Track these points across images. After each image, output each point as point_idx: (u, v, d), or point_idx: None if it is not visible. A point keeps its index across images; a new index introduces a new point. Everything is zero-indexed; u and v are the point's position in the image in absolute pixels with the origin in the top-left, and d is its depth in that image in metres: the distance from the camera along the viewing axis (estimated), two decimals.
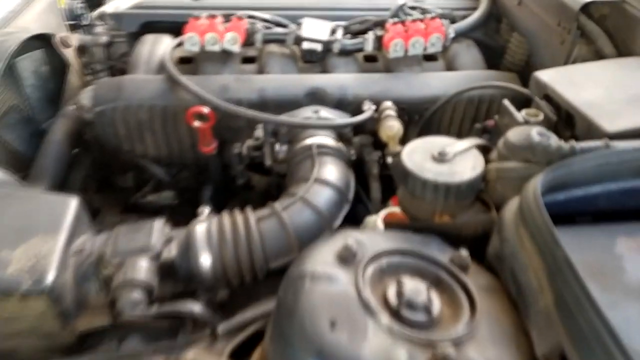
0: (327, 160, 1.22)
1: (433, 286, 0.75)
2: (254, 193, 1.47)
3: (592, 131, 0.90)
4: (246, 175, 1.41)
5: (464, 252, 0.78)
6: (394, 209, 1.19)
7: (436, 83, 1.41)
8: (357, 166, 1.33)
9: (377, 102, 1.36)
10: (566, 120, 1.00)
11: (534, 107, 1.05)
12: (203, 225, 1.06)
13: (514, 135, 0.90)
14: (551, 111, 1.02)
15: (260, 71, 1.47)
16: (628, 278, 0.68)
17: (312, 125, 1.24)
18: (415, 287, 0.73)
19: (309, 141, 1.28)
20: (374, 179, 1.30)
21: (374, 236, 0.84)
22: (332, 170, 1.20)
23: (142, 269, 0.93)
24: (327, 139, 1.29)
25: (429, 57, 1.54)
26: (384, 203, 1.30)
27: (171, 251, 1.00)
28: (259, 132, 1.32)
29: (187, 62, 1.52)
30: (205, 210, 1.12)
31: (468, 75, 1.43)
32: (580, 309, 0.60)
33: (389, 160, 1.25)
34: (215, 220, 1.07)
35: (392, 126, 1.21)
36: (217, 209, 1.47)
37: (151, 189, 1.57)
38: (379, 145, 1.37)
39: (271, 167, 1.35)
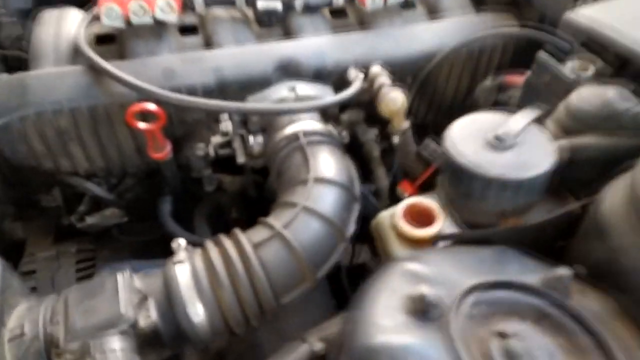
0: (321, 151, 0.98)
1: (538, 325, 0.56)
2: (225, 196, 1.20)
3: None
4: (215, 179, 1.13)
5: (561, 271, 0.60)
6: (413, 199, 0.98)
7: (427, 36, 1.18)
8: (351, 149, 1.10)
9: (363, 68, 1.11)
10: (619, 69, 0.82)
11: (579, 57, 0.86)
12: (185, 268, 0.79)
13: (582, 101, 0.71)
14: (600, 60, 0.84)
15: (207, 43, 1.17)
16: None
17: (295, 109, 0.98)
18: (527, 341, 0.53)
19: (291, 128, 1.02)
20: (378, 164, 1.08)
21: (438, 263, 0.63)
22: (330, 164, 0.96)
23: (116, 353, 0.67)
24: (313, 123, 1.04)
25: (405, 5, 1.30)
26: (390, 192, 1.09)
27: (150, 315, 0.74)
28: (226, 124, 1.04)
29: (108, 42, 1.17)
30: (181, 244, 0.85)
31: (461, 23, 1.21)
32: None
33: (396, 140, 1.03)
34: (200, 257, 0.82)
35: (395, 99, 0.98)
36: (184, 224, 1.20)
37: (88, 208, 1.25)
38: (372, 119, 1.14)
39: (244, 164, 1.09)
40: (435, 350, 0.52)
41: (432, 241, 0.82)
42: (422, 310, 0.54)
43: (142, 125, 0.98)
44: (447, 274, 0.60)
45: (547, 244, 0.70)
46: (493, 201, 0.67)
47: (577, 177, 0.69)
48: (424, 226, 0.98)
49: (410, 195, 1.08)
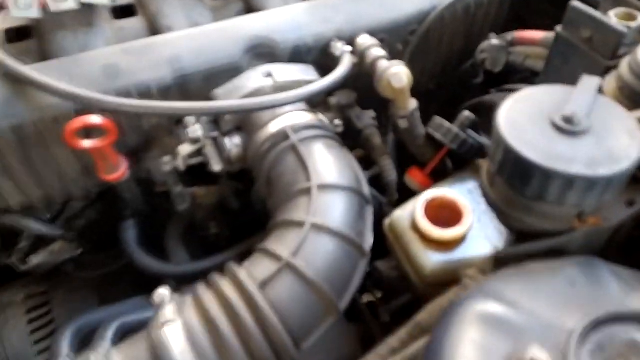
0: (317, 149, 0.81)
1: None
2: (201, 209, 1.01)
3: None
4: (187, 194, 0.94)
5: None
6: (434, 192, 0.83)
7: None
8: (346, 139, 0.93)
9: (348, 39, 0.93)
10: None
11: (616, 5, 0.72)
12: (176, 329, 0.62)
13: None
14: None
15: (153, 28, 0.94)
16: None
17: (279, 102, 0.79)
18: None
19: (276, 124, 0.84)
20: (382, 153, 0.91)
21: (518, 296, 0.49)
22: (331, 164, 0.79)
23: None
24: (300, 115, 0.86)
25: None
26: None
27: None
28: (194, 129, 0.83)
29: (23, 38, 0.93)
30: (164, 294, 0.66)
31: None
32: None
33: (402, 124, 0.87)
34: (193, 310, 0.64)
35: (398, 75, 0.81)
36: (154, 247, 1.01)
37: (30, 246, 1.02)
38: (366, 100, 0.97)
39: (219, 172, 0.89)
40: None
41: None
42: None
43: (86, 143, 0.77)
44: (541, 314, 0.46)
45: (625, 241, 0.57)
46: (574, 203, 0.53)
47: None
48: (450, 223, 0.83)
49: (422, 184, 0.93)
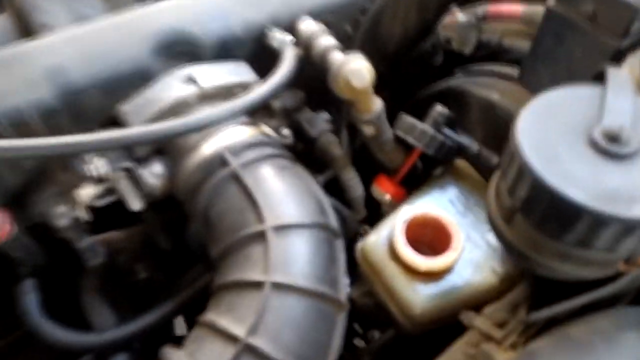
0: (266, 175, 0.64)
1: None
2: (122, 254, 0.80)
3: None
4: (100, 245, 0.73)
5: None
6: (412, 210, 0.68)
7: None
8: (297, 150, 0.76)
9: (288, 26, 0.75)
10: None
11: None
12: None
13: None
14: None
15: (26, 29, 0.70)
16: None
17: (210, 121, 0.60)
18: None
19: (210, 146, 0.65)
20: (343, 164, 0.75)
21: None
22: (286, 194, 0.62)
23: None
24: (238, 130, 0.67)
25: None
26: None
27: None
28: (97, 166, 0.62)
29: None
30: None
31: None
32: None
33: (368, 131, 0.71)
34: None
35: (359, 72, 0.64)
36: (64, 308, 0.79)
37: None
38: (315, 99, 0.80)
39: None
40: None
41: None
42: None
43: None
44: None
45: None
46: (631, 248, 0.40)
47: None
48: (435, 245, 0.70)
49: (393, 196, 0.78)
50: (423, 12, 0.91)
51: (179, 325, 0.89)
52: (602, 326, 0.41)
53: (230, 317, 0.54)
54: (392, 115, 0.77)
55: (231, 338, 0.51)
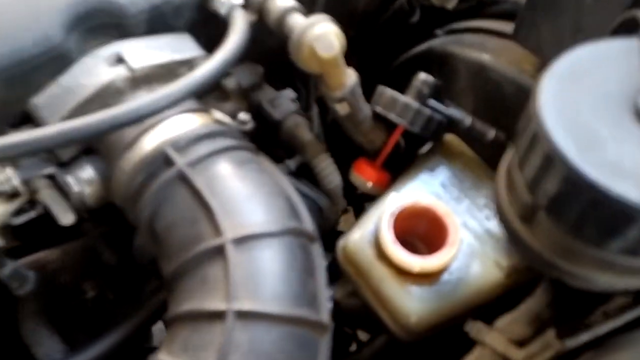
0: (222, 174, 0.52)
1: None
2: (63, 272, 0.68)
3: None
4: (28, 270, 0.60)
5: None
6: (400, 202, 0.58)
7: None
8: (260, 136, 0.64)
9: None
10: None
11: None
12: None
13: None
14: None
15: None
16: None
17: (142, 113, 0.48)
18: None
19: (149, 141, 0.53)
20: (316, 150, 0.63)
21: None
22: (247, 195, 0.51)
23: None
24: (184, 119, 0.55)
25: None
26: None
27: None
28: (5, 178, 0.50)
29: None
30: None
31: None
32: None
33: (341, 110, 0.60)
34: None
35: (326, 38, 0.52)
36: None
37: None
38: (276, 73, 0.68)
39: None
40: None
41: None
42: None
43: None
44: None
45: None
46: None
47: None
48: (430, 241, 0.61)
49: (376, 182, 0.68)
50: None
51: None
52: None
53: (185, 356, 0.43)
54: (365, 88, 0.66)
55: None
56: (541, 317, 0.42)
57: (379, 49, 0.88)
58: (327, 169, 0.63)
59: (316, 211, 0.72)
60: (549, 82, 0.33)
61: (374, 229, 0.60)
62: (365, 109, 0.62)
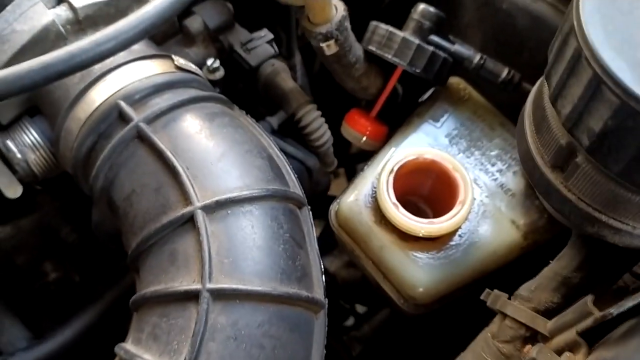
0: (188, 131, 0.47)
1: None
2: (19, 253, 0.63)
3: None
4: None
5: None
6: (401, 157, 0.52)
7: None
8: (233, 87, 0.58)
9: None
10: None
11: None
12: None
13: None
14: None
15: None
16: None
17: (85, 59, 0.41)
18: None
19: (100, 93, 0.47)
20: (301, 102, 0.57)
21: None
22: (219, 153, 0.45)
23: None
24: (140, 66, 0.49)
25: None
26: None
27: None
28: None
29: None
30: None
31: None
32: None
33: (328, 50, 0.53)
34: None
35: None
36: None
37: None
38: (252, 10, 0.61)
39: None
40: None
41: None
42: None
43: None
44: None
45: None
46: None
47: None
48: (437, 202, 0.55)
49: (370, 136, 0.63)
50: None
51: None
52: None
53: (156, 349, 0.38)
54: (356, 26, 0.59)
55: None
56: (571, 281, 0.37)
57: None
58: (315, 122, 0.58)
59: (304, 173, 0.66)
60: (595, 20, 0.27)
61: (371, 189, 0.55)
62: (357, 49, 0.55)
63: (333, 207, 0.58)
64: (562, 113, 0.29)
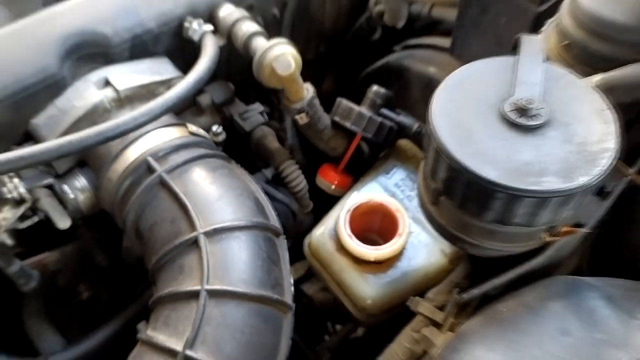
0: (196, 179, 0.64)
1: None
2: (61, 275, 0.80)
3: None
4: (32, 269, 0.72)
5: None
6: (357, 199, 0.70)
7: None
8: (231, 146, 0.77)
9: (207, 15, 0.75)
10: None
11: None
12: None
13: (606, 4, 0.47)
14: None
15: None
16: None
17: (124, 129, 0.60)
18: None
19: (133, 152, 0.65)
20: (282, 158, 0.75)
21: None
22: (218, 196, 0.63)
23: None
24: (163, 132, 0.68)
25: None
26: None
27: None
28: (13, 186, 0.62)
29: None
30: None
31: None
32: None
33: (301, 119, 0.72)
34: None
35: (283, 58, 0.65)
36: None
37: None
38: (246, 89, 0.80)
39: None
40: None
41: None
42: None
43: None
44: None
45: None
46: (546, 221, 0.43)
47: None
48: (382, 232, 0.72)
49: (338, 185, 0.80)
50: None
51: None
52: (529, 299, 0.44)
53: (168, 332, 0.55)
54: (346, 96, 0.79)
55: (170, 353, 0.53)
56: (460, 286, 0.53)
57: (350, 64, 1.01)
58: (293, 174, 0.76)
59: (290, 214, 0.84)
60: (440, 93, 0.45)
61: (334, 225, 0.72)
62: (325, 119, 0.74)
63: (307, 239, 0.75)
64: (429, 167, 0.46)
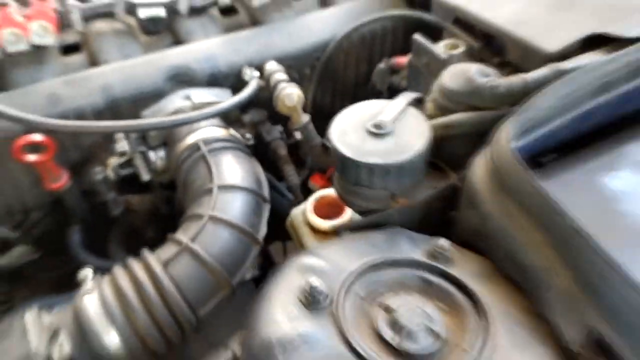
0: (224, 158, 1.05)
1: (423, 295, 0.66)
2: (137, 216, 1.25)
3: (530, 55, 0.84)
4: (122, 201, 1.17)
5: (441, 241, 0.70)
6: (322, 192, 1.07)
7: (318, 26, 1.26)
8: (258, 150, 1.17)
9: (258, 66, 1.18)
10: (486, 45, 0.93)
11: (447, 35, 0.97)
12: (93, 297, 0.84)
13: (450, 80, 0.81)
14: (470, 38, 0.94)
15: (93, 62, 1.20)
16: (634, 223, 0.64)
17: (190, 119, 1.04)
18: (408, 309, 0.63)
19: (192, 138, 1.08)
20: (285, 162, 1.15)
21: (331, 253, 0.72)
22: (234, 169, 1.03)
23: None
24: (213, 130, 1.10)
25: None
26: (303, 186, 1.18)
27: (63, 348, 0.79)
28: (123, 144, 1.08)
29: None
30: (88, 273, 0.89)
31: (350, 9, 1.30)
32: (607, 282, 0.55)
33: (298, 136, 1.11)
34: (108, 284, 0.86)
35: (290, 95, 1.06)
36: (99, 251, 1.23)
37: None
38: (276, 116, 1.21)
39: (151, 182, 1.14)
40: (327, 335, 0.60)
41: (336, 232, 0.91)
42: (312, 300, 0.63)
43: (31, 157, 1.01)
44: (339, 263, 0.69)
45: (437, 218, 0.80)
46: (380, 186, 0.76)
47: (454, 152, 0.79)
48: (335, 217, 1.07)
49: (322, 188, 1.17)
50: (370, 62, 1.32)
51: None
52: (368, 233, 0.76)
53: (182, 233, 0.94)
54: None
55: (178, 242, 0.91)
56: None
57: None
58: (290, 172, 1.14)
59: (287, 202, 1.22)
60: (340, 114, 0.82)
61: (304, 207, 1.08)
62: (316, 139, 1.12)
63: (289, 217, 1.11)
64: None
